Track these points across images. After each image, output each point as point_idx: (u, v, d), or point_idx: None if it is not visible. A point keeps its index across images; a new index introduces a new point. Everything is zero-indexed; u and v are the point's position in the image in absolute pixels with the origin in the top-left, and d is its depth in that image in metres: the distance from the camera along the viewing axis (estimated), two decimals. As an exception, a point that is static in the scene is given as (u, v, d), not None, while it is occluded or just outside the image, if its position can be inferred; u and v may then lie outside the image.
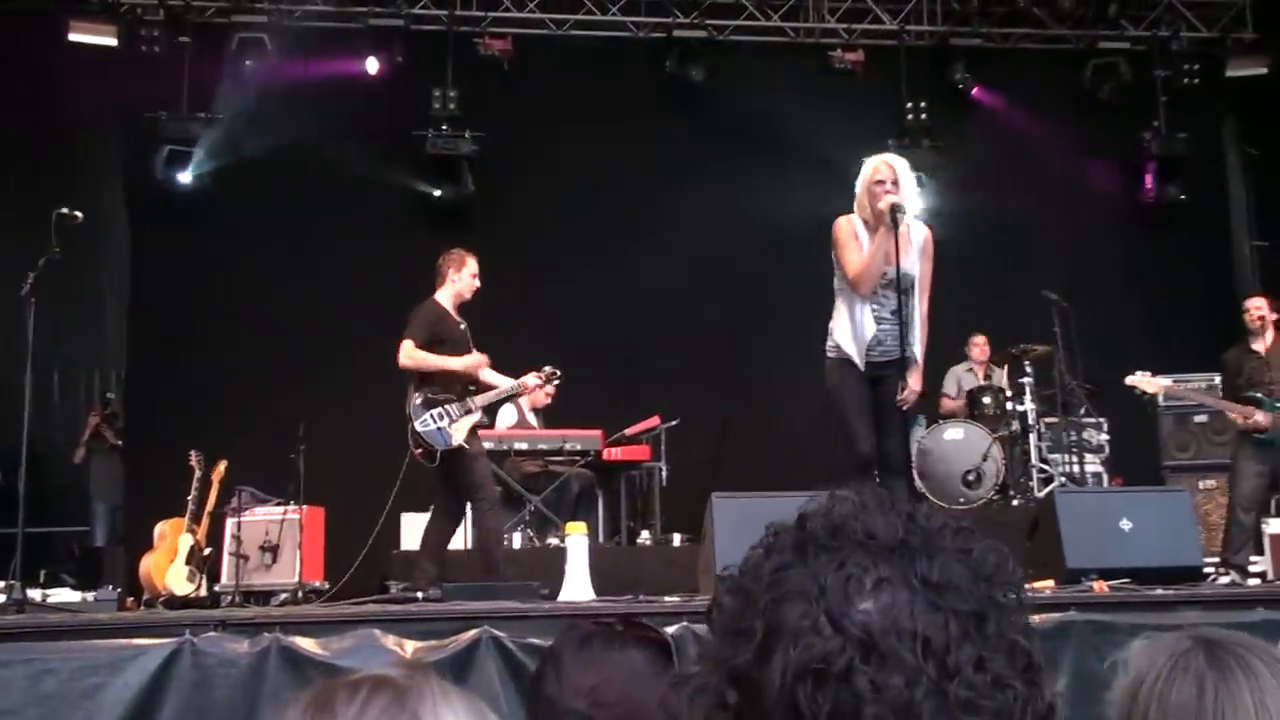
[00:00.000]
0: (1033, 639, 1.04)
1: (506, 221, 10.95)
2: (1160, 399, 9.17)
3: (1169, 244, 11.54)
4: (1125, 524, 6.05)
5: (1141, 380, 7.97)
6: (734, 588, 1.07)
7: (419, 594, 6.59)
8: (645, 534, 9.04)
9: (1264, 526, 8.57)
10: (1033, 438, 9.36)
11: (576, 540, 5.56)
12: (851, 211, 6.22)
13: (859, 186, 6.17)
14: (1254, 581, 7.20)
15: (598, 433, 9.07)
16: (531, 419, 9.73)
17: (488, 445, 8.81)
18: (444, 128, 10.79)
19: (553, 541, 8.46)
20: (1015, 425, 9.41)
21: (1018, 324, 9.73)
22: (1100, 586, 5.61)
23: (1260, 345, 8.07)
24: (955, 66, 11.39)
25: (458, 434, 7.14)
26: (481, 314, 10.42)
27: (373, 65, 10.82)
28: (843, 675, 0.97)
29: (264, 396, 9.85)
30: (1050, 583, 5.92)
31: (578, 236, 11.00)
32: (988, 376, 10.17)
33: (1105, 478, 9.40)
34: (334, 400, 9.95)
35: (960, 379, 10.25)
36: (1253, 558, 8.09)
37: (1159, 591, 5.48)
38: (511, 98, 10.94)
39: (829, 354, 6.19)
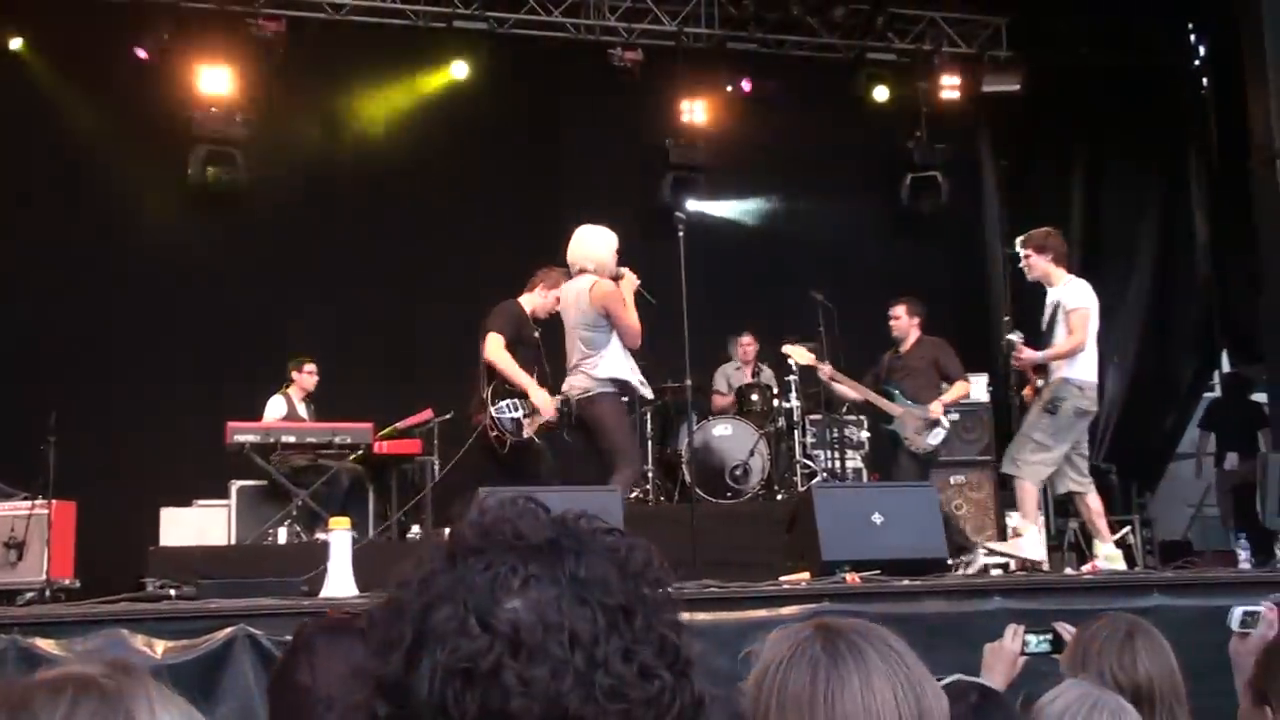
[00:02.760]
0: (683, 634, 1.08)
1: (276, 205, 10.72)
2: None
3: (929, 249, 12.08)
4: (877, 518, 6.33)
5: (795, 351, 8.69)
6: (385, 601, 1.08)
7: (172, 592, 6.39)
8: (416, 528, 8.94)
9: (1007, 519, 9.09)
10: (797, 434, 9.68)
11: (339, 535, 5.49)
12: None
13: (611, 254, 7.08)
14: (996, 572, 7.58)
15: (368, 426, 8.94)
16: (302, 410, 9.53)
17: (253, 438, 8.64)
18: (212, 110, 10.47)
19: (321, 536, 8.28)
20: (781, 422, 9.70)
21: (786, 322, 10.04)
22: (853, 578, 5.84)
23: (904, 347, 8.80)
24: (731, 70, 11.65)
25: (529, 428, 7.29)
26: (247, 302, 10.26)
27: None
28: (491, 673, 0.99)
29: (8, 383, 9.37)
30: (806, 575, 6.14)
31: (347, 227, 10.86)
32: (756, 374, 10.45)
33: (865, 473, 9.78)
34: (89, 389, 9.54)
35: (730, 376, 10.50)
36: (998, 546, 8.57)
37: (905, 582, 5.76)
38: (284, 81, 10.67)
39: (606, 388, 6.93)
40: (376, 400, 9.67)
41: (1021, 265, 7.85)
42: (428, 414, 9.37)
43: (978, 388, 9.39)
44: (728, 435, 9.63)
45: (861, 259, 11.69)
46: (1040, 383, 7.70)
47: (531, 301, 7.72)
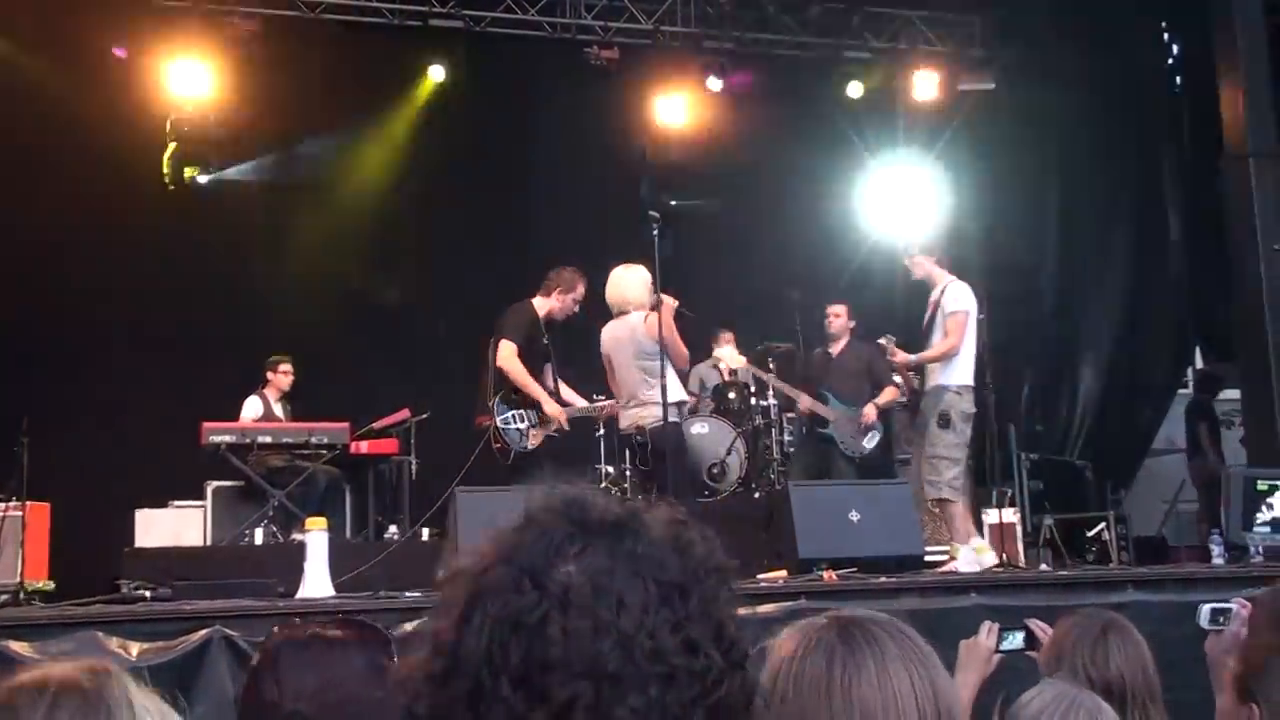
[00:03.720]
0: (742, 628, 1.12)
1: (251, 204, 10.71)
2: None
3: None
4: (854, 515, 6.37)
5: (726, 354, 8.91)
6: (453, 570, 1.13)
7: (147, 593, 6.36)
8: (393, 528, 8.94)
9: (983, 516, 9.14)
10: (775, 432, 9.68)
11: (316, 536, 5.48)
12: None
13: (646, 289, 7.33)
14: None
15: (345, 425, 8.92)
16: (278, 410, 9.50)
17: (229, 438, 8.61)
18: (188, 108, 10.43)
19: (297, 537, 8.26)
20: (759, 420, 9.70)
21: (763, 321, 10.06)
22: (829, 576, 5.87)
23: (835, 348, 8.90)
24: (707, 69, 11.64)
25: (533, 439, 7.39)
26: (223, 302, 10.22)
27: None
28: (536, 625, 1.04)
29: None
30: (783, 572, 6.17)
31: (323, 226, 10.81)
32: (733, 373, 10.44)
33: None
34: (63, 389, 9.48)
35: (704, 376, 10.50)
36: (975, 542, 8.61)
37: (882, 579, 5.79)
38: (259, 79, 10.61)
39: (673, 415, 7.18)
40: (353, 400, 9.66)
41: (907, 264, 7.94)
42: (404, 414, 9.38)
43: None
44: (705, 434, 9.61)
45: (838, 257, 11.71)
46: (911, 380, 7.78)
47: (546, 305, 7.74)
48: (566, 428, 7.56)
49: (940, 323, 7.63)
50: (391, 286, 10.97)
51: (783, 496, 6.56)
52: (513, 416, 7.38)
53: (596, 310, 7.86)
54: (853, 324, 8.90)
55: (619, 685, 1.02)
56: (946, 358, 7.53)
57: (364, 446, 9.14)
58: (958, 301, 7.62)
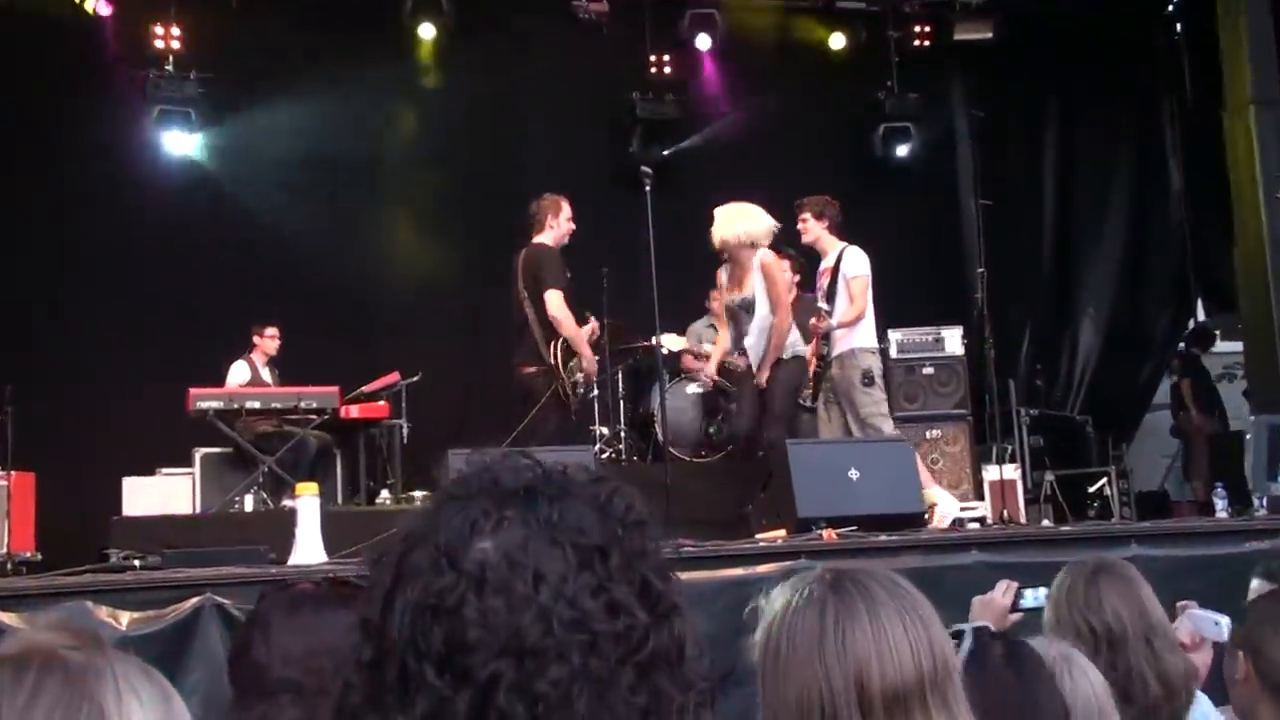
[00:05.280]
0: (670, 580, 1.11)
1: (235, 167, 10.64)
2: (892, 351, 9.58)
3: (901, 200, 12.08)
4: (853, 474, 6.35)
5: (666, 339, 8.81)
6: (379, 550, 1.12)
7: (136, 562, 6.35)
8: (385, 494, 8.93)
9: (983, 473, 9.16)
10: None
11: (307, 501, 5.45)
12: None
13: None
14: (973, 526, 7.64)
15: (334, 390, 8.89)
16: (265, 375, 9.47)
17: (216, 404, 8.59)
18: (168, 69, 10.37)
19: (287, 504, 8.26)
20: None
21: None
22: (829, 535, 5.85)
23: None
24: (695, 22, 11.55)
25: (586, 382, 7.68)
26: (208, 266, 10.17)
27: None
28: (454, 608, 1.04)
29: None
30: (782, 532, 6.16)
31: (307, 188, 10.76)
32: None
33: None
34: (47, 357, 9.45)
35: (701, 334, 10.47)
36: (972, 502, 8.63)
37: (882, 538, 5.79)
38: (241, 39, 10.53)
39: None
40: (342, 364, 9.63)
41: (799, 226, 8.02)
42: (394, 377, 9.36)
43: (952, 340, 9.42)
44: (702, 393, 9.64)
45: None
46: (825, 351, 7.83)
47: (550, 238, 7.72)
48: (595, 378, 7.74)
49: (843, 288, 7.78)
50: (377, 247, 10.91)
51: (781, 455, 6.54)
52: (572, 369, 7.49)
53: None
54: (797, 278, 8.73)
55: (540, 658, 1.03)
56: (857, 322, 7.73)
57: (354, 411, 9.12)
58: (857, 266, 7.78)
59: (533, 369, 7.51)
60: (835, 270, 7.83)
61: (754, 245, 7.53)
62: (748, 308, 7.59)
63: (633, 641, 1.05)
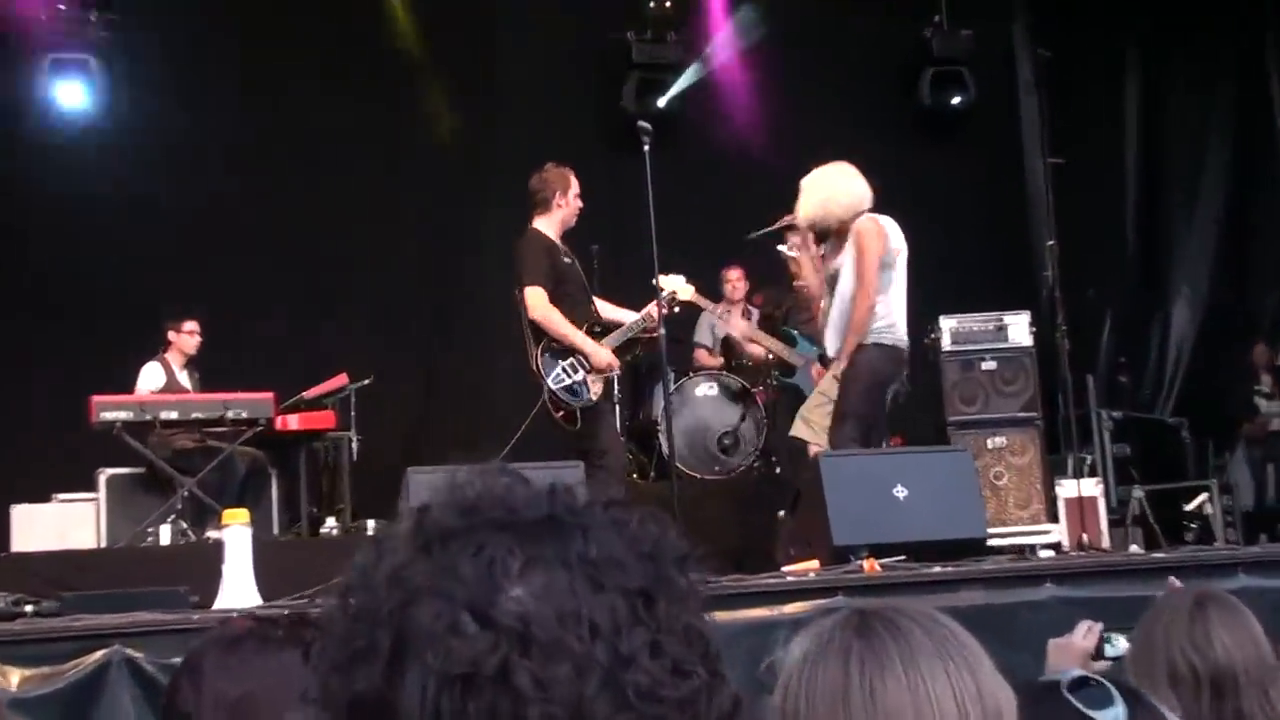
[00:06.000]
0: (707, 624, 1.07)
1: (141, 129, 10.63)
2: (945, 342, 9.55)
3: (955, 158, 12.07)
4: (900, 491, 6.33)
5: (673, 282, 8.29)
6: (342, 605, 1.06)
7: (29, 608, 6.33)
8: (332, 521, 8.91)
9: (1057, 489, 9.13)
10: (800, 392, 9.66)
11: (236, 532, 5.46)
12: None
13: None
14: (1046, 554, 7.62)
15: (269, 396, 8.85)
16: (183, 380, 9.43)
17: (125, 415, 8.57)
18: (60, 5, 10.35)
19: (212, 535, 8.25)
20: (777, 378, 9.65)
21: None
22: (871, 565, 5.85)
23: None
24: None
25: (594, 389, 7.59)
26: (111, 249, 10.14)
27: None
28: (498, 676, 0.98)
29: None
30: (814, 563, 6.15)
31: (234, 149, 10.76)
32: (747, 318, 10.37)
33: (885, 437, 9.77)
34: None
35: (714, 325, 10.45)
36: (1044, 525, 8.62)
37: (936, 569, 5.78)
38: None
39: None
40: (278, 365, 9.66)
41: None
42: (341, 379, 9.34)
43: (1017, 328, 9.36)
44: (714, 396, 9.61)
45: (873, 171, 11.61)
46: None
47: (554, 220, 7.78)
48: (619, 372, 7.81)
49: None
50: (322, 224, 10.89)
51: (812, 470, 6.53)
52: (566, 370, 7.53)
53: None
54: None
55: None
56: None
57: (293, 421, 9.07)
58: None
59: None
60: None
61: (853, 214, 7.58)
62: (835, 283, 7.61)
63: (698, 709, 1.03)
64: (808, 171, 7.88)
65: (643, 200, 7.31)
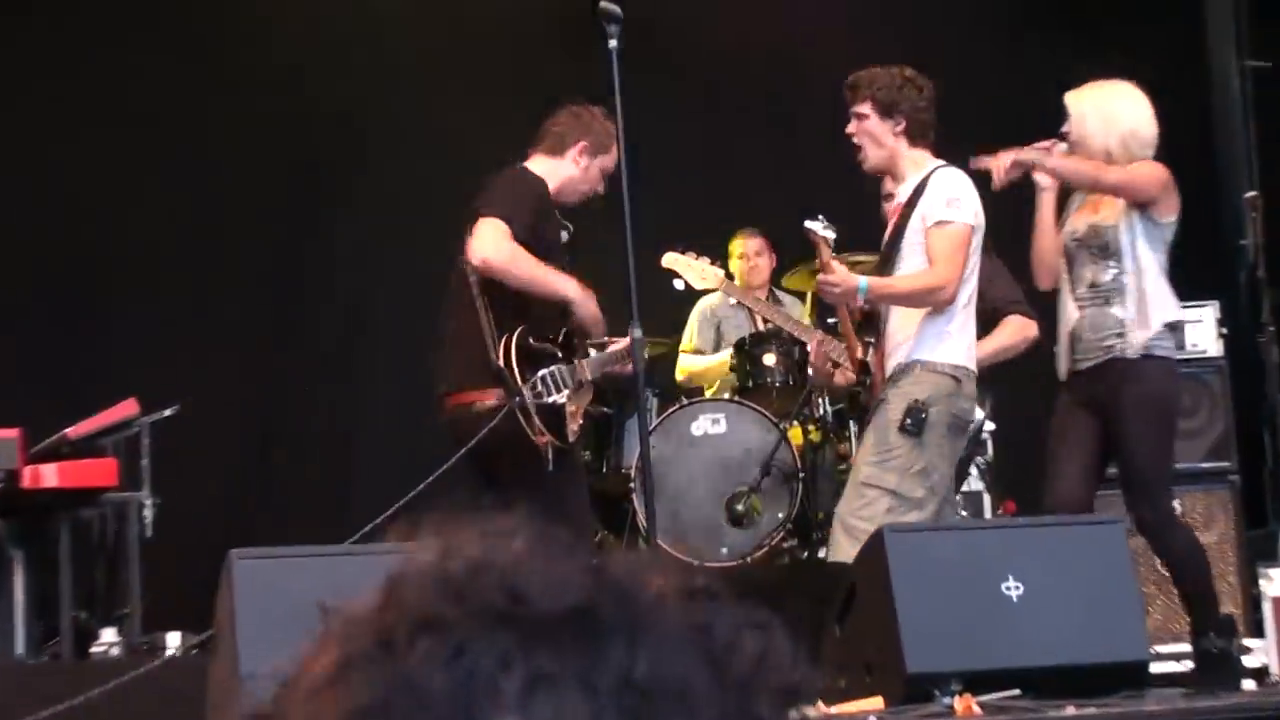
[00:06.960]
0: None
1: None
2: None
3: (1102, 64, 12.07)
4: (1013, 587, 6.29)
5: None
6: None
7: None
8: (111, 634, 8.89)
9: (1263, 583, 9.09)
10: (854, 426, 9.59)
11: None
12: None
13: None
14: (1248, 685, 7.60)
15: (12, 434, 8.79)
16: None
17: None
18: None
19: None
20: (822, 407, 9.62)
21: (817, 209, 9.99)
22: (967, 706, 5.88)
23: None
24: None
25: (573, 419, 7.87)
26: None
27: None
28: None
29: None
30: (878, 701, 6.15)
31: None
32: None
33: (988, 501, 9.71)
34: None
35: (720, 318, 10.42)
36: (1248, 641, 8.57)
37: (1070, 712, 5.71)
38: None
39: None
40: (30, 388, 9.91)
41: (849, 129, 8.11)
42: (129, 408, 9.31)
43: (1201, 329, 9.36)
44: (720, 434, 9.57)
45: (968, 85, 11.66)
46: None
47: (558, 172, 7.98)
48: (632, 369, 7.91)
49: (917, 244, 7.90)
50: (110, 189, 11.08)
51: (874, 552, 6.46)
52: (548, 379, 7.68)
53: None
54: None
55: None
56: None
57: (49, 475, 9.00)
58: (950, 205, 7.86)
59: (473, 396, 7.69)
60: (909, 208, 7.91)
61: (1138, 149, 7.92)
62: (1102, 247, 7.89)
63: None
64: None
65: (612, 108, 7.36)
